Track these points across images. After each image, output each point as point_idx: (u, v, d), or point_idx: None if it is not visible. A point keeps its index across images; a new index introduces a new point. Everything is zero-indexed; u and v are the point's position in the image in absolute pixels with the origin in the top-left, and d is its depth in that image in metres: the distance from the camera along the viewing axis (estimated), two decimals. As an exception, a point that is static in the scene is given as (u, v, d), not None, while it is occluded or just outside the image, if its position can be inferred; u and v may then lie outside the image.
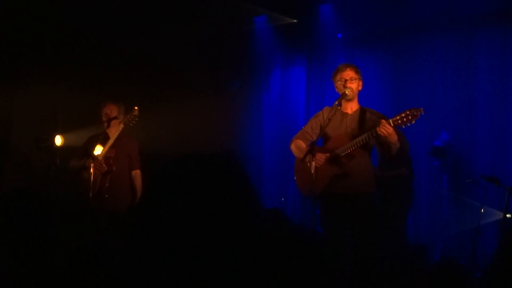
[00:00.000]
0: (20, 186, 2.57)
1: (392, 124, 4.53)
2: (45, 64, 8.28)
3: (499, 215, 6.45)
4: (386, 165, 5.96)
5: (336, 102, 4.88)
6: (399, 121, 4.53)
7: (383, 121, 4.54)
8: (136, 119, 5.96)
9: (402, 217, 6.60)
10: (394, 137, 4.61)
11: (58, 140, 8.26)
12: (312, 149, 4.76)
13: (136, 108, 5.96)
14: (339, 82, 4.96)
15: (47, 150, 8.31)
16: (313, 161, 4.71)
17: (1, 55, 7.76)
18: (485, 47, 7.54)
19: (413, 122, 4.52)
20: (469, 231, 6.83)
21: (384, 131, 4.52)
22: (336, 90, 5.04)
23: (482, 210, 6.42)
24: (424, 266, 6.18)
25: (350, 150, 4.77)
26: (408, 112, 4.52)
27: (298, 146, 5.17)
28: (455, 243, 7.17)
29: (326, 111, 5.09)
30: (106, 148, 5.98)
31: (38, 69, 8.26)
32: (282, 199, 8.71)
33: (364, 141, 4.69)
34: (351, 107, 5.01)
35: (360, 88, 5.02)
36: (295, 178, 5.23)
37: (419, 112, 4.50)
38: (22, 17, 7.71)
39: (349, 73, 4.94)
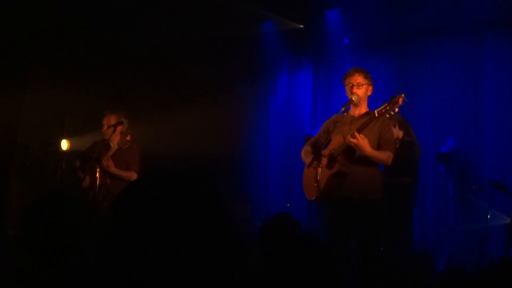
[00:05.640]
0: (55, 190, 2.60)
1: (376, 114, 4.60)
2: (53, 69, 8.32)
3: (506, 220, 6.42)
4: (389, 171, 5.91)
5: (342, 109, 4.87)
6: (383, 110, 4.60)
7: (355, 131, 4.57)
8: (129, 143, 5.91)
9: (405, 223, 6.57)
10: (365, 149, 4.61)
11: (64, 145, 8.29)
12: (318, 154, 4.75)
13: (129, 132, 5.96)
14: (347, 87, 4.95)
15: (53, 154, 8.34)
16: (319, 166, 4.70)
17: (9, 59, 7.79)
18: (493, 52, 7.52)
19: (396, 109, 4.57)
20: (475, 238, 6.80)
21: (352, 141, 4.56)
22: (346, 93, 5.04)
23: (489, 216, 6.39)
24: (430, 273, 6.15)
25: (340, 150, 4.76)
26: (390, 101, 4.59)
27: (305, 152, 5.17)
28: (462, 250, 7.14)
29: (335, 117, 5.11)
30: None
31: (45, 73, 8.29)
32: (288, 205, 8.70)
33: (346, 145, 4.71)
34: (359, 111, 4.98)
35: (369, 93, 4.98)
36: (303, 184, 5.22)
37: (399, 99, 4.55)
38: (30, 21, 7.74)
39: (356, 78, 4.91)
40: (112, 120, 6.20)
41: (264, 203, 9.01)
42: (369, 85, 4.96)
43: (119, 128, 6.14)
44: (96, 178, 5.84)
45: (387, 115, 4.61)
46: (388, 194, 5.40)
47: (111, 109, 6.40)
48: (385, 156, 4.75)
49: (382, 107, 4.59)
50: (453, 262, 6.65)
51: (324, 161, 4.81)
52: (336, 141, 4.90)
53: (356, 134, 4.54)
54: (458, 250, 7.08)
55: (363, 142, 4.56)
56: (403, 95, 4.55)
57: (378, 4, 7.56)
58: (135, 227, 1.16)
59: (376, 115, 4.59)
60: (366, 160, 4.78)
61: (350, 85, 4.91)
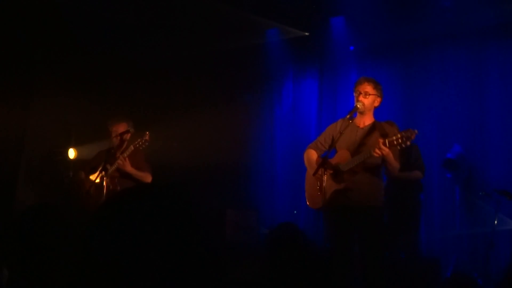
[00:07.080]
0: (39, 202, 2.60)
1: (387, 145, 4.49)
2: (59, 78, 8.35)
3: (512, 225, 6.43)
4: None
5: (348, 116, 4.86)
6: (395, 142, 4.46)
7: (380, 141, 4.50)
8: (147, 143, 5.93)
9: (412, 229, 6.57)
10: (390, 158, 4.59)
11: (72, 153, 8.32)
12: (324, 162, 4.72)
13: (147, 133, 5.94)
14: (355, 94, 4.96)
15: (60, 163, 8.37)
16: (325, 174, 4.68)
17: (16, 70, 7.84)
18: (497, 59, 7.52)
19: (408, 143, 4.43)
20: (482, 244, 6.79)
21: (379, 152, 4.50)
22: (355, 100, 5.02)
23: (496, 222, 6.38)
24: (437, 279, 6.14)
25: (350, 166, 4.76)
26: (403, 134, 4.45)
27: (309, 157, 5.15)
28: (468, 256, 7.12)
29: (340, 123, 5.08)
30: (113, 167, 5.99)
31: (51, 83, 8.33)
32: (295, 212, 8.69)
33: (361, 160, 4.68)
34: (364, 121, 4.97)
35: (376, 104, 4.95)
36: (305, 189, 5.21)
37: (413, 134, 4.41)
38: (36, 32, 7.79)
39: (364, 87, 4.90)
40: (122, 128, 6.20)
41: (270, 210, 9.00)
42: (378, 96, 4.93)
43: (125, 137, 6.16)
44: (103, 186, 5.85)
45: (398, 148, 4.55)
46: (395, 200, 5.41)
47: (120, 117, 6.40)
48: (398, 165, 4.76)
49: (394, 138, 4.46)
50: (460, 268, 6.64)
51: (329, 171, 4.81)
52: (342, 155, 4.88)
53: (383, 147, 4.49)
54: (465, 256, 7.06)
55: (389, 152, 4.55)
56: (416, 131, 4.46)
57: (382, 11, 7.57)
58: (110, 239, 1.19)
59: (387, 145, 4.50)
60: (367, 174, 4.79)
61: (358, 92, 4.91)
